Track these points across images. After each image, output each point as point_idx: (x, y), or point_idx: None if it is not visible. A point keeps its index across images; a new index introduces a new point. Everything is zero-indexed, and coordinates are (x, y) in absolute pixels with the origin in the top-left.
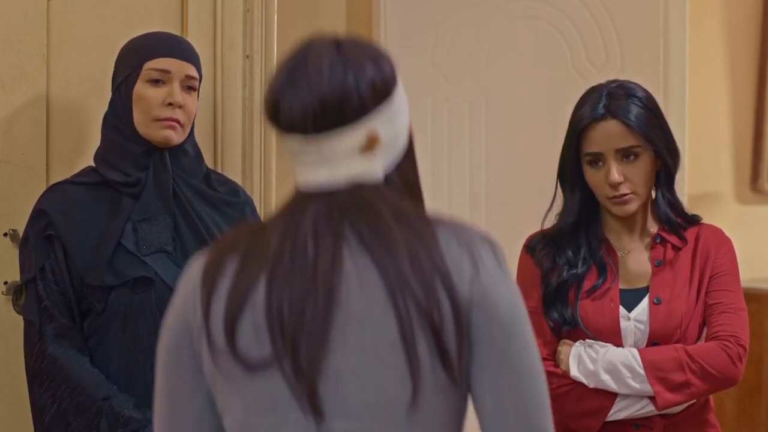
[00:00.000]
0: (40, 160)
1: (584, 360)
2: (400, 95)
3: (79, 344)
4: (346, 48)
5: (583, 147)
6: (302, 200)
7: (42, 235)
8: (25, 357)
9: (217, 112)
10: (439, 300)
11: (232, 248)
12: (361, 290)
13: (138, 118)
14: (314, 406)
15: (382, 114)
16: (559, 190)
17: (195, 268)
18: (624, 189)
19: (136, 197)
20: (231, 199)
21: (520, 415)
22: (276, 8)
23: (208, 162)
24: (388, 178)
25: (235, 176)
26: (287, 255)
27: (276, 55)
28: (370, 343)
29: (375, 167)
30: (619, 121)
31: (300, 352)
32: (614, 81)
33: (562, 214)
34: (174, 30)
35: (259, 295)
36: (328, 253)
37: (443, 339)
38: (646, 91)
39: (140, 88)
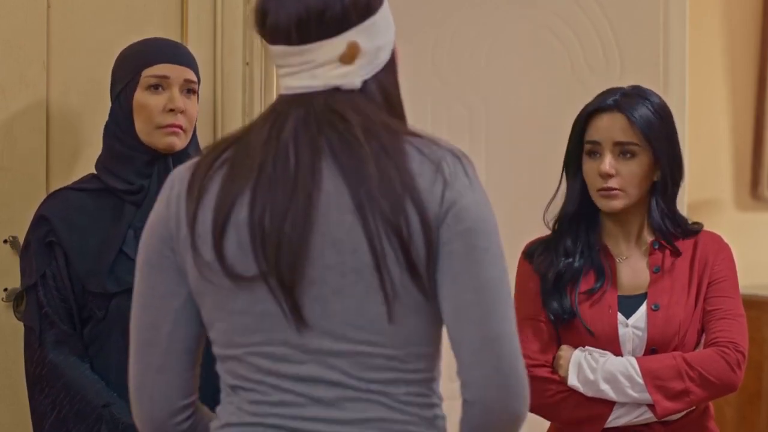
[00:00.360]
0: (40, 166)
1: (584, 369)
2: (385, 16)
3: (80, 351)
4: None
5: (586, 135)
6: (284, 105)
7: (43, 241)
8: (26, 363)
9: (217, 119)
10: (408, 217)
11: (217, 159)
12: (336, 212)
13: (140, 127)
14: (300, 323)
15: (363, 29)
16: (563, 186)
17: (179, 176)
18: (613, 183)
19: (139, 204)
20: None
21: (478, 323)
22: None
23: None
24: (365, 87)
25: None
26: (270, 165)
27: None
28: (349, 265)
29: (353, 75)
30: (624, 116)
31: (282, 268)
32: (634, 86)
33: (564, 205)
34: (174, 36)
35: (243, 207)
36: (307, 165)
37: (412, 255)
38: (661, 101)
39: (140, 96)
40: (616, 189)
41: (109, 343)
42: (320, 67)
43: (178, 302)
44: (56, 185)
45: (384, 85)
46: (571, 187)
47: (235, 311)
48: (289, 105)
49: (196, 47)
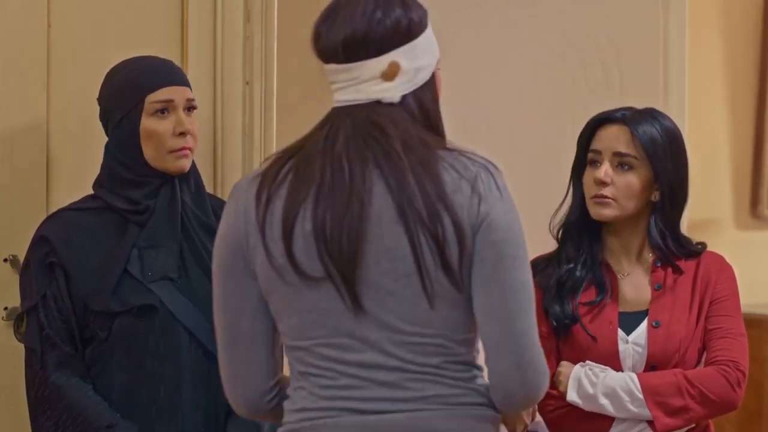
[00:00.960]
0: (40, 185)
1: (584, 384)
2: (427, 40)
3: (82, 372)
4: None
5: (590, 144)
6: (335, 117)
7: (43, 262)
8: (27, 385)
9: (217, 139)
10: (444, 224)
11: (281, 169)
12: (386, 222)
13: (150, 153)
14: (361, 318)
15: (404, 51)
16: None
17: (243, 190)
18: (606, 191)
19: (143, 224)
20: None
21: (503, 321)
22: (276, 35)
23: (208, 188)
24: (404, 101)
25: None
26: (328, 174)
27: (276, 81)
28: (401, 271)
29: (393, 90)
30: (628, 129)
31: (344, 271)
32: (649, 107)
33: (568, 212)
34: (174, 56)
35: (308, 213)
36: (358, 176)
37: (447, 258)
38: (673, 125)
39: (147, 123)
40: (608, 198)
41: (112, 364)
42: (364, 82)
43: (252, 302)
44: (56, 204)
45: (422, 100)
46: (574, 196)
47: (303, 309)
48: (338, 117)
49: (196, 66)
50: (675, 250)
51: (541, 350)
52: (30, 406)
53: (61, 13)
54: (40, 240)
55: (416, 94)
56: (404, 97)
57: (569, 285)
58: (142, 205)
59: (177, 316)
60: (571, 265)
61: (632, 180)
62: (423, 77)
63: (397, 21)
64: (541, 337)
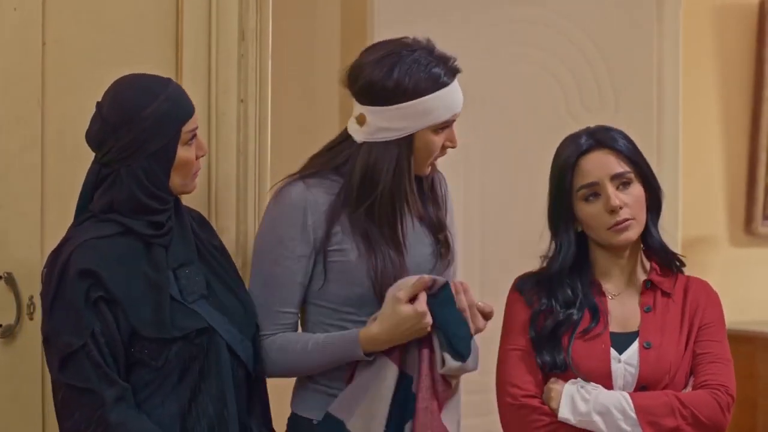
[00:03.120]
0: (35, 204)
1: (576, 401)
2: (399, 112)
3: (133, 403)
4: None
5: (575, 182)
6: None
7: (89, 296)
8: (77, 425)
9: (212, 156)
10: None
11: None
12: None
13: (179, 182)
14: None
15: (373, 110)
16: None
17: (300, 192)
18: (624, 214)
19: (167, 246)
20: (214, 242)
21: None
22: (270, 53)
23: (202, 206)
24: (363, 145)
25: (229, 220)
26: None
27: (270, 99)
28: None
29: (358, 134)
30: (609, 149)
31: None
32: (597, 125)
33: (553, 258)
34: (169, 74)
35: None
36: None
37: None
38: (622, 131)
39: (183, 152)
40: (629, 219)
41: (163, 389)
42: (352, 118)
43: (303, 283)
44: (51, 223)
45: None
46: (563, 241)
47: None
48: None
49: (190, 84)
50: (667, 253)
51: None
52: None
53: (56, 31)
54: (82, 273)
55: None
56: (365, 142)
57: (566, 327)
58: (165, 227)
59: (220, 333)
60: (571, 312)
61: (637, 192)
62: (386, 136)
63: (370, 87)
64: (530, 354)
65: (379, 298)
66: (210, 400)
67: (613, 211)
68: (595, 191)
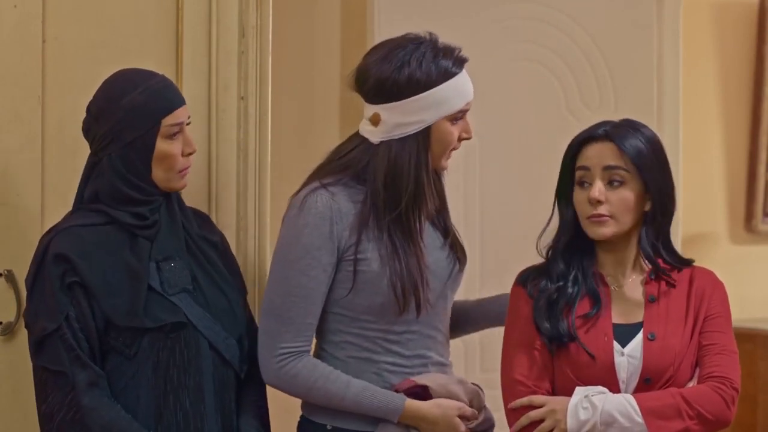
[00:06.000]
0: (35, 201)
1: (578, 413)
2: (414, 105)
3: (108, 391)
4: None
5: (576, 162)
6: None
7: (63, 281)
8: (49, 409)
9: (212, 154)
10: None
11: None
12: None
13: (162, 175)
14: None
15: (387, 107)
16: (555, 215)
17: (326, 201)
18: (602, 209)
19: (152, 238)
20: (212, 239)
21: None
22: (270, 50)
23: (203, 204)
24: (381, 145)
25: (230, 218)
26: None
27: (270, 96)
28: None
29: (374, 135)
30: (614, 144)
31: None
32: (626, 119)
33: (557, 234)
34: (169, 72)
35: None
36: None
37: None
38: (653, 133)
39: (163, 145)
40: (605, 216)
41: (137, 379)
42: (364, 120)
43: (325, 288)
44: (51, 220)
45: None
46: (563, 217)
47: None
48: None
49: (191, 82)
50: (667, 259)
51: None
52: (58, 430)
53: (56, 29)
54: (57, 258)
55: (390, 142)
56: (382, 142)
57: (562, 302)
58: (149, 219)
59: (199, 328)
60: (561, 283)
61: (626, 195)
62: (402, 132)
63: (381, 84)
64: (535, 349)
65: (400, 307)
66: (186, 394)
67: (591, 202)
68: (586, 178)
